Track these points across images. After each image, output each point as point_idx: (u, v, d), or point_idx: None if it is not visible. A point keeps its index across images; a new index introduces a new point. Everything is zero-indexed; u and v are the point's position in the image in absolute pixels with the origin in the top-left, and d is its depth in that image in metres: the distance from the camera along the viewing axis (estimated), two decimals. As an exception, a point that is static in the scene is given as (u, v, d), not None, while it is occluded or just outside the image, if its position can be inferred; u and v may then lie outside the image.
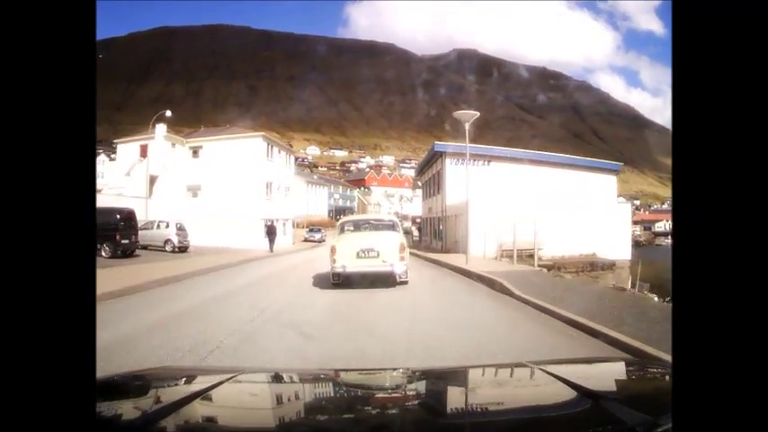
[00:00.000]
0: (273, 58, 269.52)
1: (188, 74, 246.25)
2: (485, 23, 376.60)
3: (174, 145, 36.59)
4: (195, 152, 37.46)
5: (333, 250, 11.24)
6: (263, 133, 36.36)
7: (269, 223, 33.27)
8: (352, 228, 13.65)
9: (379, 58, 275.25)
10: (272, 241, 31.35)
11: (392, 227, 12.98)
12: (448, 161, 31.16)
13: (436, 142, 31.33)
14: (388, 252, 11.17)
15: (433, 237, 38.35)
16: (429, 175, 39.20)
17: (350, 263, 10.95)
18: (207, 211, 34.86)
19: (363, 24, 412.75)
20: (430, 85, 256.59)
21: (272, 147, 37.68)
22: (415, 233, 50.14)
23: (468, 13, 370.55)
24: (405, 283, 11.34)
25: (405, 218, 61.74)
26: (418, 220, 62.73)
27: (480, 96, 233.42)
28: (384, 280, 11.10)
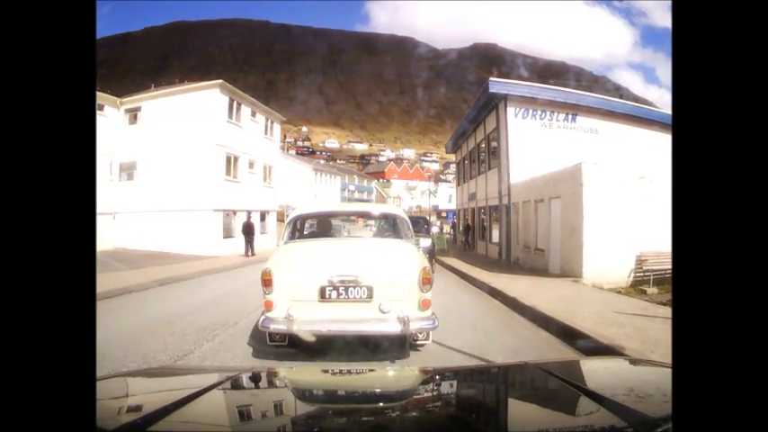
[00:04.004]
0: (291, 51, 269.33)
1: (204, 68, 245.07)
2: (504, 19, 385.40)
3: (101, 107, 24.79)
4: (134, 116, 25.43)
5: (266, 279, 5.06)
6: (220, 81, 24.15)
7: (246, 219, 23.42)
8: (314, 229, 7.30)
9: (399, 52, 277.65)
10: (249, 242, 22.26)
11: (393, 226, 7.00)
12: (511, 112, 18.78)
13: (491, 79, 19.01)
14: (395, 288, 5.02)
15: (479, 236, 25.87)
16: (472, 145, 26.64)
17: (304, 311, 4.92)
18: (146, 199, 23.80)
19: (383, 20, 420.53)
20: (450, 79, 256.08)
21: (237, 104, 25.49)
22: (446, 231, 38.16)
23: (487, 9, 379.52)
24: (422, 345, 5.50)
25: (433, 211, 50.99)
26: (444, 215, 53.53)
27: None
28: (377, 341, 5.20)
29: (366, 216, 8.82)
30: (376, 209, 9.09)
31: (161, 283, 12.17)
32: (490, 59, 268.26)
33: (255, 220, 25.79)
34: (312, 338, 4.94)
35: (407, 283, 5.06)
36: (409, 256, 5.60)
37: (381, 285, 5.00)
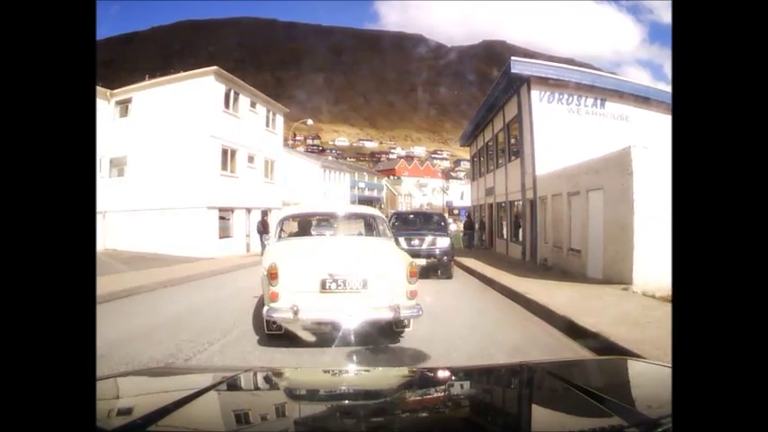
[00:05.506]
0: (300, 50, 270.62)
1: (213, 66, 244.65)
2: (513, 16, 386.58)
3: (90, 98, 22.89)
4: (124, 108, 23.51)
5: (272, 273, 5.52)
6: (215, 68, 22.10)
7: (261, 217, 21.33)
8: (300, 229, 7.96)
9: (409, 50, 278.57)
10: (263, 241, 19.43)
11: (373, 225, 7.95)
12: (535, 95, 16.74)
13: (513, 59, 16.93)
14: (387, 280, 5.68)
15: (497, 235, 23.80)
16: (489, 135, 24.52)
17: (307, 301, 5.45)
18: (137, 197, 21.84)
19: (391, 18, 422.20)
20: (460, 76, 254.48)
21: (235, 93, 23.47)
22: (459, 228, 35.79)
23: (496, 6, 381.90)
24: (401, 331, 6.10)
25: (446, 208, 49.28)
26: (456, 212, 51.91)
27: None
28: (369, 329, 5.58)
29: (348, 216, 8.94)
30: (357, 210, 10.01)
31: (122, 295, 10.10)
32: (499, 56, 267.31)
33: (256, 217, 23.89)
34: (310, 326, 5.57)
35: (397, 275, 5.66)
36: (395, 252, 6.46)
37: (374, 278, 5.59)
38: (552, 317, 7.05)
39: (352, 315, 5.38)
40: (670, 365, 1.33)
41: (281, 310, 5.37)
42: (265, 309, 5.53)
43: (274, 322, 5.59)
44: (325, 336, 5.56)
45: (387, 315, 5.43)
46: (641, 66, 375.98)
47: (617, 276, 10.47)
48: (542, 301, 7.93)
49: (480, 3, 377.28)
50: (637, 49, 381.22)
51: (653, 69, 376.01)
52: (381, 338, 5.74)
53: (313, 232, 8.07)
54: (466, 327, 6.96)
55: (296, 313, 5.26)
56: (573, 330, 6.21)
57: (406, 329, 6.03)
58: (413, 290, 5.66)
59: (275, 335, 5.76)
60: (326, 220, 9.70)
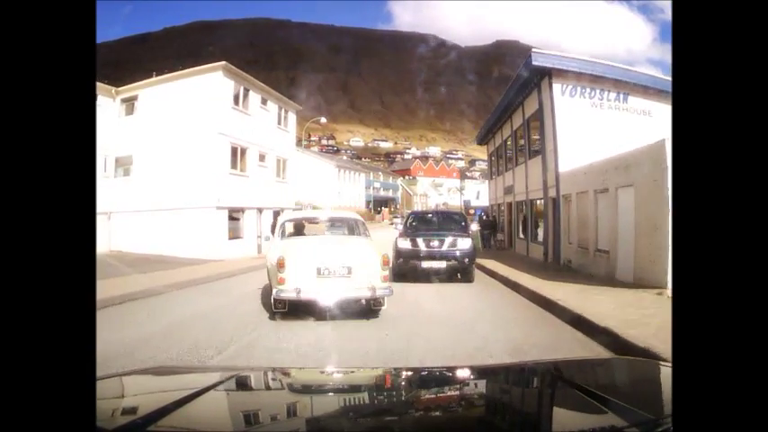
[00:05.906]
0: (313, 50, 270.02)
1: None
2: (526, 17, 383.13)
3: (97, 96, 22.33)
4: (130, 106, 22.93)
5: (281, 263, 7.18)
6: (224, 63, 21.29)
7: (273, 218, 20.45)
8: (296, 230, 9.60)
9: (423, 50, 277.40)
10: None
11: (355, 227, 9.72)
12: (557, 88, 15.89)
13: (534, 50, 16.06)
14: (366, 267, 7.40)
15: (515, 236, 22.95)
16: (508, 132, 23.56)
17: (307, 284, 7.16)
18: (143, 197, 21.19)
19: (405, 18, 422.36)
20: (474, 76, 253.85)
21: (245, 89, 22.73)
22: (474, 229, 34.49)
23: (509, 7, 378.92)
24: (377, 311, 7.63)
25: (464, 208, 48.33)
26: (471, 211, 50.88)
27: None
28: (353, 308, 7.45)
29: (335, 220, 10.48)
30: (342, 215, 11.52)
31: (119, 301, 9.44)
32: (513, 56, 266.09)
33: (268, 217, 23.20)
34: (308, 303, 7.20)
35: (373, 264, 7.38)
36: (372, 247, 7.95)
37: (357, 266, 7.31)
38: (589, 327, 6.29)
39: (340, 294, 7.15)
40: (670, 365, 1.31)
41: (287, 291, 7.02)
42: (275, 291, 7.13)
43: (281, 301, 7.20)
44: (318, 312, 7.20)
45: (366, 294, 7.19)
46: (652, 65, 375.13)
47: (649, 279, 9.62)
48: (577, 309, 7.16)
49: (493, 3, 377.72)
50: (648, 49, 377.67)
51: (664, 69, 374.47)
52: (363, 313, 7.45)
53: (317, 232, 9.98)
54: (492, 338, 6.23)
55: (298, 293, 6.99)
56: (618, 345, 5.37)
57: (382, 307, 7.59)
58: (385, 275, 7.46)
59: (280, 311, 7.35)
60: (318, 223, 10.61)
